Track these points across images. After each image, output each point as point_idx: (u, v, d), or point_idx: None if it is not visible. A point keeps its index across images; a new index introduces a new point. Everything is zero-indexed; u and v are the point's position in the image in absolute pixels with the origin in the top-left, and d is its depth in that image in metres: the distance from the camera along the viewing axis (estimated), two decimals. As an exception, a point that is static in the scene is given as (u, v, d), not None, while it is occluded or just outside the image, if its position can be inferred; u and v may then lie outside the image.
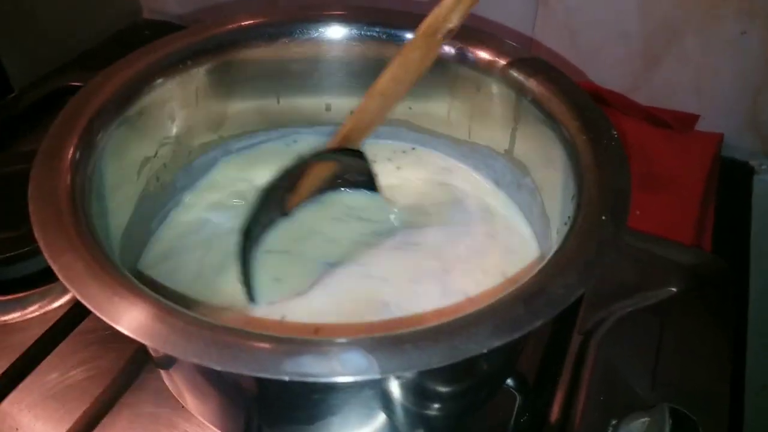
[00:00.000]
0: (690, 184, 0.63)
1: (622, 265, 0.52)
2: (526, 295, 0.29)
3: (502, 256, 0.44)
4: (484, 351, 0.27)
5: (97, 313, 0.29)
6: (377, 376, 0.26)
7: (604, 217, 0.32)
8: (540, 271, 0.30)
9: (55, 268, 0.30)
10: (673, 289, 0.50)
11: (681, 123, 0.68)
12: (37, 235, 0.32)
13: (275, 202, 0.44)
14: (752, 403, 0.73)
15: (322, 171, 0.46)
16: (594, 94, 0.70)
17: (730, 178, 0.66)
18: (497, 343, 0.27)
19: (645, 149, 0.67)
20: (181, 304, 0.39)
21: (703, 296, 0.50)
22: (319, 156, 0.45)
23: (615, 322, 0.48)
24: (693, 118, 0.69)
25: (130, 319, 0.29)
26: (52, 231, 0.32)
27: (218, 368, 0.27)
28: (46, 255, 0.31)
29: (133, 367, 0.43)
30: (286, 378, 0.26)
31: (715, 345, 0.47)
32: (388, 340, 0.27)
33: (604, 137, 0.36)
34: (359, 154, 0.45)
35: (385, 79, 0.42)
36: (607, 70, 0.70)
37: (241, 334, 0.28)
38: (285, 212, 0.46)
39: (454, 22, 0.41)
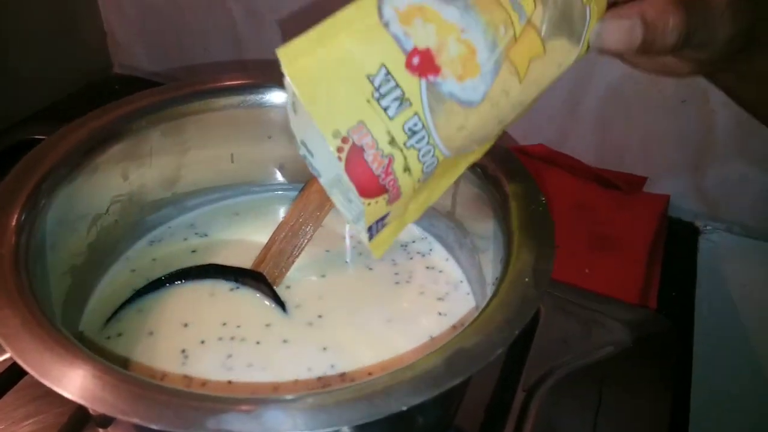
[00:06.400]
0: (637, 244, 0.65)
1: (567, 323, 0.54)
2: (447, 354, 0.30)
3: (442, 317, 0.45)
4: (403, 409, 0.28)
5: (27, 369, 0.30)
6: (298, 435, 0.27)
7: (526, 279, 0.33)
8: (462, 332, 0.31)
9: (-9, 323, 0.31)
10: (617, 347, 0.51)
11: (629, 185, 0.71)
12: (-23, 291, 0.32)
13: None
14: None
15: None
16: (546, 156, 0.72)
17: (677, 238, 0.68)
18: (416, 401, 0.28)
19: (595, 210, 0.69)
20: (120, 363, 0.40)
21: (646, 354, 0.51)
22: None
23: (558, 379, 0.48)
24: (641, 180, 0.71)
25: (61, 375, 0.29)
26: (-8, 288, 0.32)
27: (144, 424, 0.27)
28: (-17, 310, 0.31)
29: (76, 423, 0.43)
30: (208, 435, 0.27)
31: (656, 402, 0.48)
32: (312, 398, 0.28)
33: (532, 203, 0.38)
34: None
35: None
36: (558, 134, 0.72)
37: (171, 392, 0.29)
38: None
39: None
